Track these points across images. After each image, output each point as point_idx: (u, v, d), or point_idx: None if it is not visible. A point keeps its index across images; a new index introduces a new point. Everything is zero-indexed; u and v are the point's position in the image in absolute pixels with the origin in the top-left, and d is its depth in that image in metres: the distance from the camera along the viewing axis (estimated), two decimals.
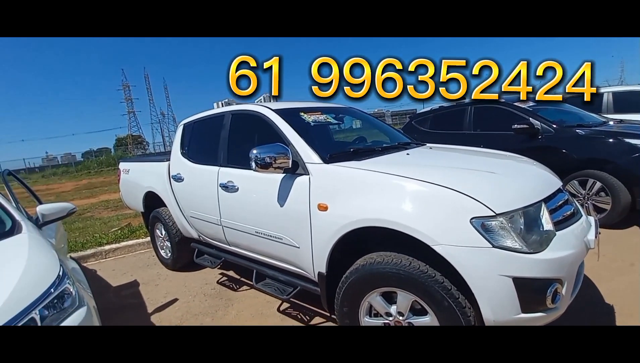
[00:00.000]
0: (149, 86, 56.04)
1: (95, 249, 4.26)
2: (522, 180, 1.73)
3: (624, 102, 5.52)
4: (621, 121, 4.35)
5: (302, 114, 2.45)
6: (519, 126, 3.95)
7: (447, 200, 1.48)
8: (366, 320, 1.80)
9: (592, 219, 1.80)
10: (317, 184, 1.93)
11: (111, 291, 3.22)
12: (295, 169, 2.05)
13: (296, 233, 2.05)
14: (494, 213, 1.40)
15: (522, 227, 1.42)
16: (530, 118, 4.04)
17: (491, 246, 1.37)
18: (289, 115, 2.34)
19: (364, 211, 1.67)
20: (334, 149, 2.33)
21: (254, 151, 2.00)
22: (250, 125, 2.60)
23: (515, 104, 4.37)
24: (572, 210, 1.73)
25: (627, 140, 3.32)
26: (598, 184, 3.48)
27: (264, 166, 1.98)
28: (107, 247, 4.32)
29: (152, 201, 3.58)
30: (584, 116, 4.42)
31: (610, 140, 3.42)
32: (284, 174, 2.10)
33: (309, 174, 1.99)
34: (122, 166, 4.19)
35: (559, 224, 1.57)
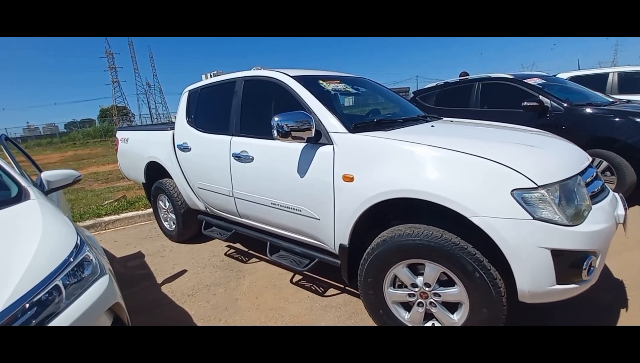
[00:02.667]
0: (134, 53, 53.66)
1: (94, 220, 4.15)
2: (559, 153, 1.70)
3: (628, 82, 5.51)
4: (629, 101, 4.35)
5: (320, 81, 2.34)
6: (528, 104, 3.92)
7: (488, 171, 1.44)
8: (390, 291, 1.80)
9: (617, 195, 1.81)
10: (343, 155, 1.87)
11: (117, 262, 3.16)
12: (318, 138, 1.97)
13: (317, 204, 2.00)
14: (536, 184, 1.37)
15: (561, 200, 1.40)
16: (540, 96, 4.00)
17: (532, 218, 1.35)
18: (309, 82, 2.23)
19: (397, 182, 1.62)
20: (354, 119, 2.24)
21: (276, 119, 1.90)
22: (265, 92, 2.48)
23: (525, 81, 4.32)
24: (601, 185, 1.72)
25: (637, 120, 3.33)
26: (604, 164, 3.52)
27: (285, 134, 1.90)
28: (106, 218, 4.21)
29: (155, 171, 3.47)
30: (591, 95, 4.40)
31: (621, 119, 3.43)
32: (306, 144, 2.02)
33: (332, 144, 1.92)
34: (120, 135, 4.01)
35: (593, 199, 1.56)
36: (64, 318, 1.22)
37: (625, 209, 1.68)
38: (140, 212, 4.41)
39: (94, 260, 1.50)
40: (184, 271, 2.91)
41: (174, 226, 3.51)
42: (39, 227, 1.47)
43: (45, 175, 2.09)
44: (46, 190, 2.06)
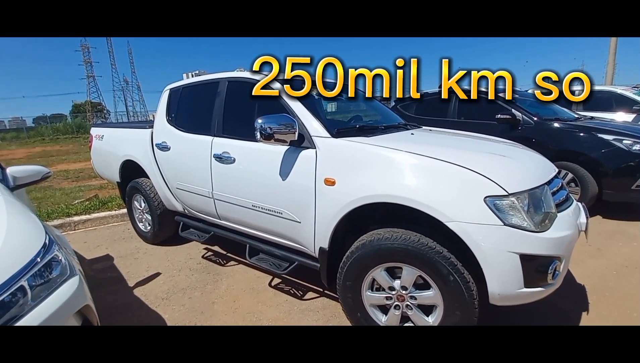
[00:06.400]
0: (111, 48, 51.98)
1: (63, 220, 3.96)
2: (528, 164, 1.80)
3: (592, 100, 5.89)
4: (592, 118, 4.66)
5: None
6: (502, 116, 4.12)
7: (463, 179, 1.50)
8: (368, 294, 1.83)
9: (580, 204, 1.93)
10: (325, 159, 1.89)
11: (86, 264, 3.02)
12: (301, 142, 1.99)
13: (299, 207, 2.01)
14: (507, 192, 1.44)
15: (529, 207, 1.48)
16: (513, 109, 4.21)
17: (502, 224, 1.42)
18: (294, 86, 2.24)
19: (378, 187, 1.66)
20: (337, 125, 2.28)
21: (259, 121, 1.90)
22: (249, 94, 2.46)
23: (499, 94, 4.54)
24: (566, 195, 1.83)
25: (600, 135, 3.57)
26: (569, 175, 3.73)
27: (268, 136, 1.90)
28: (76, 218, 4.02)
29: (131, 170, 3.36)
30: (558, 110, 4.67)
31: (585, 134, 3.66)
32: (288, 147, 2.03)
33: (315, 148, 1.94)
34: (95, 131, 3.86)
35: (558, 207, 1.66)
36: (29, 321, 1.17)
37: (587, 217, 1.80)
38: (113, 212, 4.24)
39: (63, 260, 1.44)
40: (158, 274, 2.82)
41: (149, 228, 3.40)
42: (3, 225, 1.39)
43: (12, 170, 1.99)
44: (12, 186, 1.96)
